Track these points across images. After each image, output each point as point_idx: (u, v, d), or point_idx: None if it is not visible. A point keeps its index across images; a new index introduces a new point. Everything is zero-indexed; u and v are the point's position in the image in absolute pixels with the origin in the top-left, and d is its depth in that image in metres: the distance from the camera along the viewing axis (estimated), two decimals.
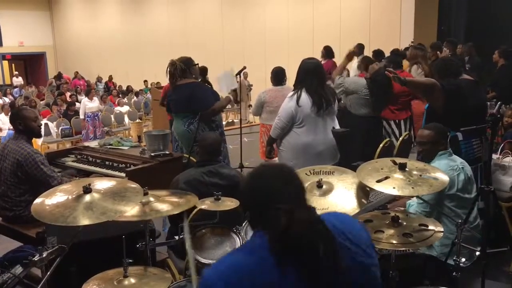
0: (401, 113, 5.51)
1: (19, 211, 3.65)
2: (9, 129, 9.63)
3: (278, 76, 5.79)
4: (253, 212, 1.53)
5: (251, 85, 13.43)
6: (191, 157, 4.24)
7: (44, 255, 2.13)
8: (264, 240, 1.40)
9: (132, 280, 2.25)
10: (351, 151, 4.36)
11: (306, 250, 1.33)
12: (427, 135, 3.32)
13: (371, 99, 4.98)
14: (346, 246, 1.43)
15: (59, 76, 19.34)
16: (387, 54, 7.79)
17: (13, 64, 22.72)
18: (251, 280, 1.34)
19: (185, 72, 4.56)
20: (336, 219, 1.51)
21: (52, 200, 2.22)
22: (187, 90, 4.50)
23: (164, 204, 2.50)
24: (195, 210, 2.84)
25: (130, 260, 2.29)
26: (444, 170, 3.01)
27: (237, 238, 2.75)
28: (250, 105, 12.40)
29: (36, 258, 2.12)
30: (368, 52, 8.53)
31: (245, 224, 2.85)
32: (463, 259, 2.56)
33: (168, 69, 4.57)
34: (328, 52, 8.43)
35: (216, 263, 1.45)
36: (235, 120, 12.19)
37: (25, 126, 3.65)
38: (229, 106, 13.89)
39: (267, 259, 1.36)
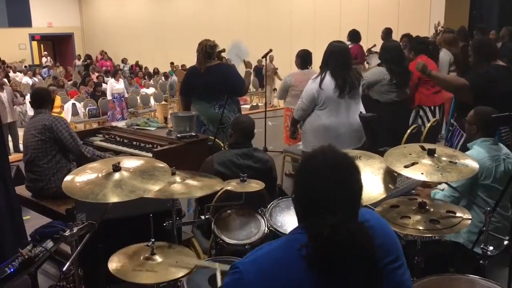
0: (436, 97, 5.36)
1: (46, 181, 3.79)
2: None
3: (303, 59, 5.72)
4: (299, 207, 1.41)
5: (277, 69, 13.35)
6: (216, 140, 4.26)
7: (74, 231, 2.17)
8: (302, 237, 1.33)
9: (158, 257, 2.28)
10: (378, 136, 4.31)
11: (342, 264, 1.26)
12: (469, 115, 3.25)
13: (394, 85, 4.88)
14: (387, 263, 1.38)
15: (87, 57, 19.60)
16: None
17: (41, 45, 23.10)
18: (282, 274, 1.30)
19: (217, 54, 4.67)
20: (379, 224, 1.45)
21: (82, 177, 2.25)
22: (222, 71, 4.56)
23: (192, 185, 2.52)
24: (221, 191, 2.87)
25: (153, 240, 2.31)
26: (481, 158, 2.95)
27: (262, 220, 2.77)
28: (275, 89, 12.33)
29: (67, 233, 2.17)
30: (396, 37, 8.37)
31: (270, 206, 2.86)
32: (491, 248, 2.51)
33: (203, 50, 4.56)
34: (353, 35, 8.25)
35: (252, 252, 1.41)
36: (259, 104, 12.18)
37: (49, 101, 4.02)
38: (253, 89, 13.95)
39: (300, 257, 1.30)
